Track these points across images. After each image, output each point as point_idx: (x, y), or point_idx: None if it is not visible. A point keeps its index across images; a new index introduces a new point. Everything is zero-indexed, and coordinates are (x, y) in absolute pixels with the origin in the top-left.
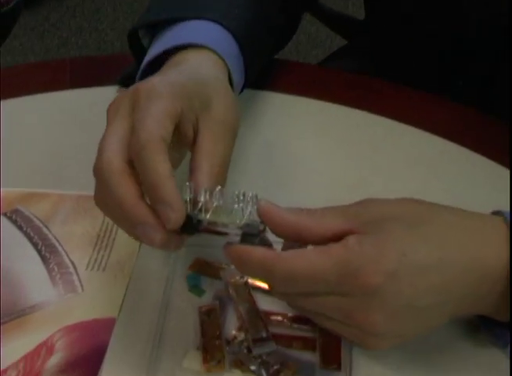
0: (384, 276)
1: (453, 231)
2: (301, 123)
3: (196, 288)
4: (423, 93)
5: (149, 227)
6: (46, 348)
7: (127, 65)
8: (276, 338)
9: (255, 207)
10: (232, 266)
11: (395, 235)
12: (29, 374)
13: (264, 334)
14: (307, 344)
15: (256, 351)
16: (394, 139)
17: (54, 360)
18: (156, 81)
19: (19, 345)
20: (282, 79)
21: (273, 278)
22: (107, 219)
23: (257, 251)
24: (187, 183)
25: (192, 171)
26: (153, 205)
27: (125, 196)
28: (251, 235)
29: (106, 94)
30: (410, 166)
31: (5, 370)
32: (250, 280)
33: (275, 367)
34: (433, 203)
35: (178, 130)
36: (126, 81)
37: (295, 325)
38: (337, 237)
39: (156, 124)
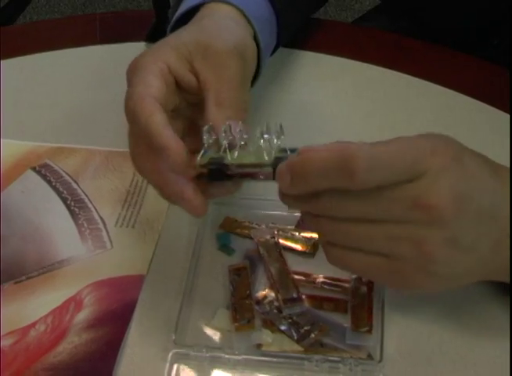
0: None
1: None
2: (332, 82)
3: (225, 247)
4: (455, 52)
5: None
6: (75, 303)
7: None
8: (307, 299)
9: (282, 137)
10: (263, 225)
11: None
12: (57, 328)
13: (294, 295)
14: (338, 305)
15: (286, 311)
16: (426, 100)
17: (82, 315)
18: (142, 54)
19: (47, 300)
20: (314, 38)
21: (355, 169)
22: (137, 176)
23: (323, 152)
24: (207, 126)
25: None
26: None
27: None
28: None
29: (135, 50)
30: (443, 126)
31: (34, 324)
32: (282, 240)
33: (306, 328)
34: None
35: (180, 85)
36: (152, 37)
37: (326, 286)
38: None
39: (143, 86)
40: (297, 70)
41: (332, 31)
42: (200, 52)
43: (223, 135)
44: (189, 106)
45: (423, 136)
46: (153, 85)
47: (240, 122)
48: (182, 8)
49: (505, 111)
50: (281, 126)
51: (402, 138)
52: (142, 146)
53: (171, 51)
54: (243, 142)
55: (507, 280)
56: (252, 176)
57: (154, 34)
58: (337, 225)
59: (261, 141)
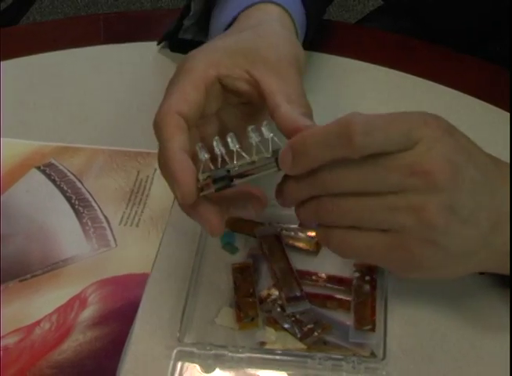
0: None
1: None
2: (335, 82)
3: (229, 246)
4: (457, 53)
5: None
6: (79, 301)
7: (159, 21)
8: (310, 298)
9: (270, 133)
10: (267, 224)
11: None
12: (62, 326)
13: (298, 293)
14: (341, 304)
15: (289, 309)
16: (429, 99)
17: (87, 313)
18: (192, 54)
19: (52, 298)
20: (316, 38)
21: (352, 133)
22: (141, 175)
23: (320, 126)
24: (198, 144)
25: (271, 113)
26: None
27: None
28: None
29: (138, 49)
30: None
31: (39, 322)
32: (285, 239)
33: (309, 326)
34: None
35: (231, 91)
36: (167, 38)
37: (329, 285)
38: None
39: (175, 99)
40: None
41: (335, 32)
42: (259, 61)
43: (216, 147)
44: (228, 107)
45: (414, 111)
46: (188, 99)
47: (231, 133)
48: (230, 12)
49: (507, 110)
50: (267, 122)
51: (396, 112)
52: None
53: (226, 58)
54: (238, 146)
55: (507, 272)
56: (256, 173)
57: (172, 38)
58: (336, 201)
59: (254, 139)
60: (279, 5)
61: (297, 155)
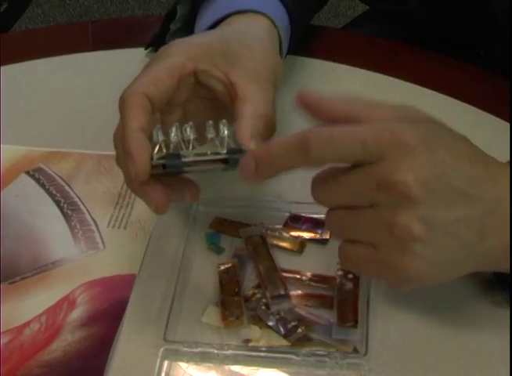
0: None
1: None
2: (320, 86)
3: (214, 246)
4: (442, 57)
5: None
6: (68, 302)
7: (148, 28)
8: (294, 296)
9: (227, 131)
10: (252, 224)
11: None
12: (51, 326)
13: (282, 292)
14: (324, 302)
15: (274, 308)
16: (413, 103)
17: (75, 314)
18: (175, 42)
19: (41, 299)
20: (304, 43)
21: (308, 146)
22: None
23: (281, 139)
24: (157, 126)
25: (235, 117)
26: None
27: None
28: (236, 156)
29: (127, 56)
30: None
31: (28, 323)
32: (270, 239)
33: (293, 324)
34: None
35: (203, 86)
36: (155, 43)
37: (313, 283)
38: None
39: (146, 81)
40: (288, 74)
41: (320, 36)
42: (239, 68)
43: (173, 133)
44: (194, 99)
45: (390, 122)
46: (158, 84)
47: (190, 123)
48: (212, 15)
49: (493, 114)
50: (226, 121)
51: (365, 125)
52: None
53: (207, 55)
54: (194, 136)
55: (506, 269)
56: (206, 165)
57: (159, 43)
58: (331, 214)
59: (212, 133)
60: (265, 15)
61: (260, 164)
